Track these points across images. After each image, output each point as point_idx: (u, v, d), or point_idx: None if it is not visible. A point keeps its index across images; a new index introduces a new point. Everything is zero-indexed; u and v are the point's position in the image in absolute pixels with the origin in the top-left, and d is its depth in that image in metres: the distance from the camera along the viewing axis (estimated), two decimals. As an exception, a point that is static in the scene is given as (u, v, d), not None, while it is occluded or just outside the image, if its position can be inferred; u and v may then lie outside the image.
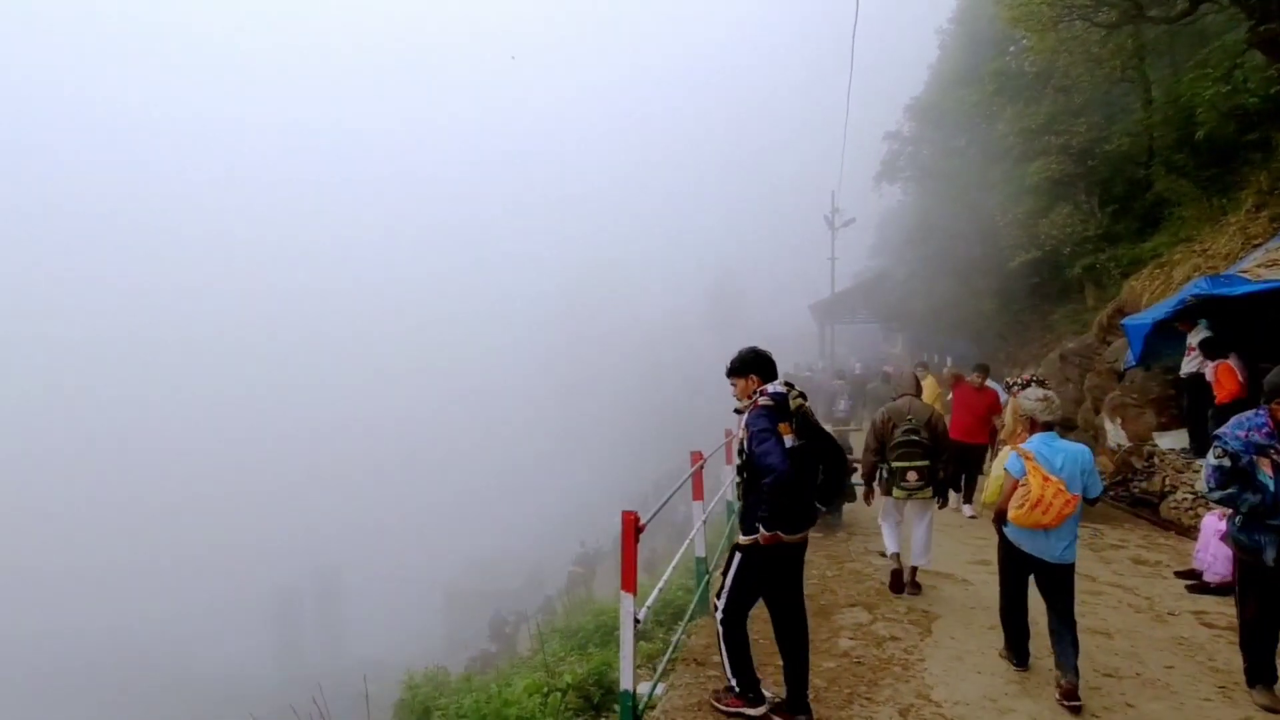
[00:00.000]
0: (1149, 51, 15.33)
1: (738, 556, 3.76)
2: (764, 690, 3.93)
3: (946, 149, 24.86)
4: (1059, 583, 4.12)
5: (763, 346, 3.95)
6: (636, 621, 3.36)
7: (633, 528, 3.32)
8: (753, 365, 3.82)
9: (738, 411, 3.85)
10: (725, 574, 3.81)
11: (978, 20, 22.99)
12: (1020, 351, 18.85)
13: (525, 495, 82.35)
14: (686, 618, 5.54)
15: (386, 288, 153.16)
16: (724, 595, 3.76)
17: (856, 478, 8.83)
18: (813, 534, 8.28)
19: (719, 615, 3.80)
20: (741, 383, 3.83)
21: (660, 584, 4.22)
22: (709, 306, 78.52)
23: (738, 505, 3.98)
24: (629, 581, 3.34)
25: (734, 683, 3.88)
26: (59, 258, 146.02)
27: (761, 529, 3.50)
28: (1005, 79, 18.91)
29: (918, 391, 6.42)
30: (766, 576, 3.74)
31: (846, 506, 9.03)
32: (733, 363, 3.89)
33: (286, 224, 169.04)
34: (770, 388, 3.70)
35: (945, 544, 7.56)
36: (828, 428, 10.94)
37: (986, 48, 21.06)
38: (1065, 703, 3.95)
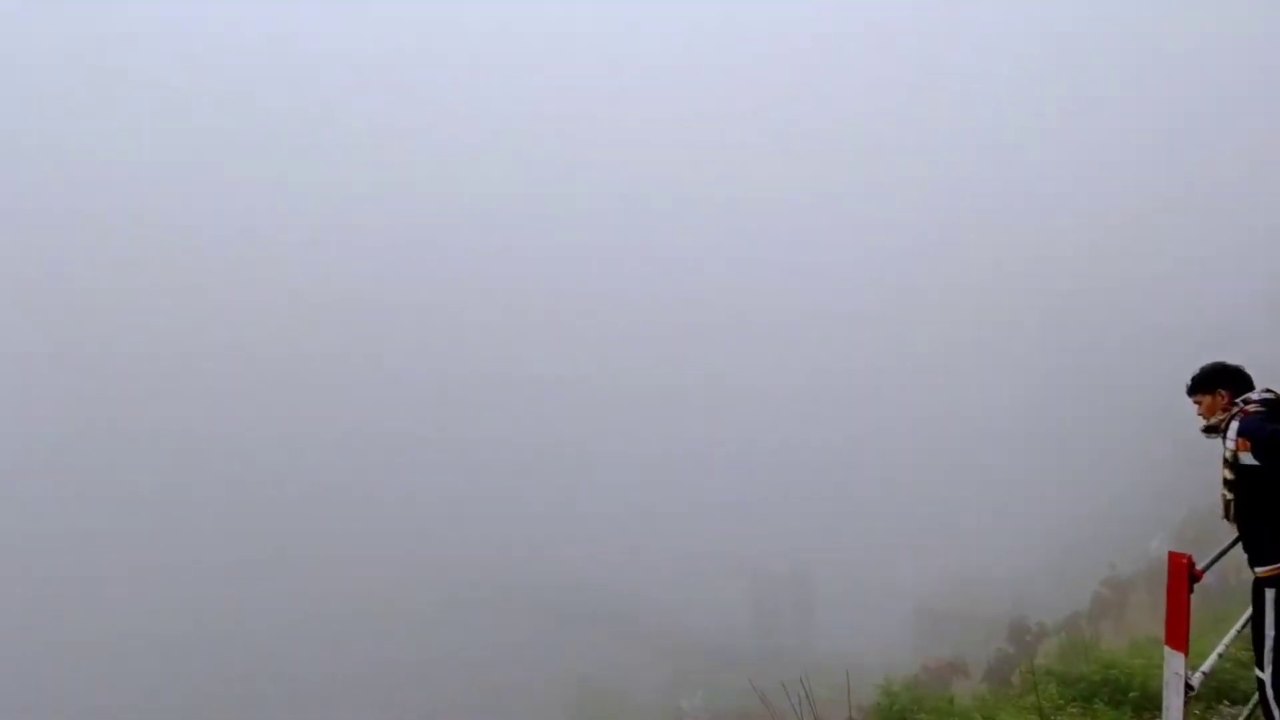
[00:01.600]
0: None
1: (1270, 594, 3.19)
2: None
3: None
4: None
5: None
6: (1189, 689, 2.78)
7: (1184, 573, 2.75)
8: (1219, 379, 3.63)
9: (1207, 430, 3.62)
10: (1261, 627, 3.23)
11: None
12: None
13: (1015, 519, 75.72)
14: (1251, 704, 4.34)
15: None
16: (1271, 653, 3.17)
17: None
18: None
19: (1270, 680, 3.17)
20: (1208, 399, 3.63)
21: (1220, 648, 3.41)
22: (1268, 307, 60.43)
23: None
24: (1177, 637, 2.78)
25: None
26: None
27: None
28: None
29: None
30: None
31: None
32: (1195, 379, 3.71)
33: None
34: (1254, 395, 3.47)
35: None
36: None
37: None
38: None
